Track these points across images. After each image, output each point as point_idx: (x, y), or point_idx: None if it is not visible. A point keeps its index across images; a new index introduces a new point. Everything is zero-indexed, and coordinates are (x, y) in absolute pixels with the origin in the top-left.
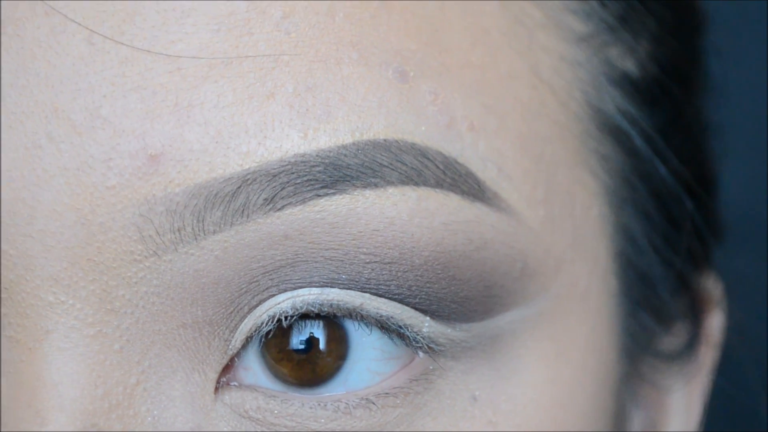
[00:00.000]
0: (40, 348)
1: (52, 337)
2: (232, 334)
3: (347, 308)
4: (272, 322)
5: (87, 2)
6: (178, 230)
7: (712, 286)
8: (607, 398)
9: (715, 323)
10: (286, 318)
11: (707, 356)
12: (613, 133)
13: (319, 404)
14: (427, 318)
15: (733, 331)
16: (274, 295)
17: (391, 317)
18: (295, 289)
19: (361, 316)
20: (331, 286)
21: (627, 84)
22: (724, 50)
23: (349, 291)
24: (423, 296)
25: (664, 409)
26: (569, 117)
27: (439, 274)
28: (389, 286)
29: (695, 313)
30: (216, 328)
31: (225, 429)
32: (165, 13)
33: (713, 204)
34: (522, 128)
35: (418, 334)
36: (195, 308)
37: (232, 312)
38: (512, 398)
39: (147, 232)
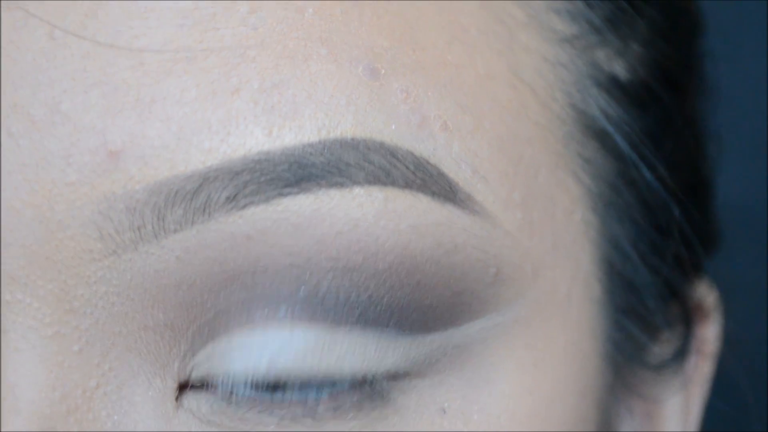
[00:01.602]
0: None
1: (9, 337)
2: (190, 356)
3: (298, 376)
4: (225, 377)
5: None
6: (138, 228)
7: (705, 294)
8: (589, 408)
9: (709, 332)
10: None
11: (702, 366)
12: (598, 136)
13: (266, 410)
14: (389, 345)
15: (729, 339)
16: (229, 331)
17: (345, 375)
18: (248, 321)
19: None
20: (284, 317)
21: (614, 87)
22: (722, 54)
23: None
24: (384, 305)
25: (657, 419)
26: (551, 119)
27: (403, 279)
28: (349, 297)
29: (686, 322)
30: (177, 333)
31: None
32: (128, 7)
33: (707, 210)
34: (500, 129)
35: (373, 379)
36: (156, 310)
37: (193, 319)
38: (485, 408)
39: (106, 230)
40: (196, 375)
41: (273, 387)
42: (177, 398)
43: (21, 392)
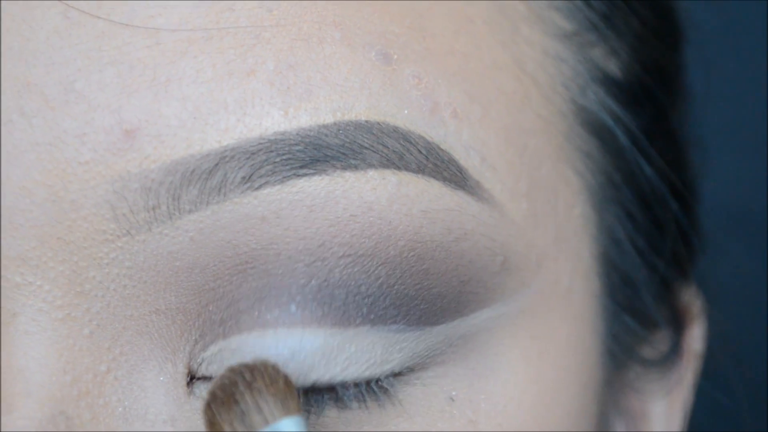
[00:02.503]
0: (7, 331)
1: (19, 320)
2: (200, 348)
3: (306, 381)
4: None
5: None
6: (153, 208)
7: (694, 296)
8: (589, 401)
9: (696, 334)
10: None
11: (689, 367)
12: (597, 131)
13: None
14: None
15: (717, 339)
16: (240, 332)
17: (351, 376)
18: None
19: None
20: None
21: (610, 83)
22: (722, 54)
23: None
24: (393, 296)
25: (646, 417)
26: (553, 112)
27: (413, 266)
28: (359, 287)
29: (678, 322)
30: (189, 318)
31: (201, 423)
32: None
33: (695, 211)
34: (506, 119)
35: (379, 378)
36: (168, 294)
37: (205, 304)
38: (492, 397)
39: (120, 210)
40: (206, 369)
41: None
42: (189, 384)
43: (32, 375)
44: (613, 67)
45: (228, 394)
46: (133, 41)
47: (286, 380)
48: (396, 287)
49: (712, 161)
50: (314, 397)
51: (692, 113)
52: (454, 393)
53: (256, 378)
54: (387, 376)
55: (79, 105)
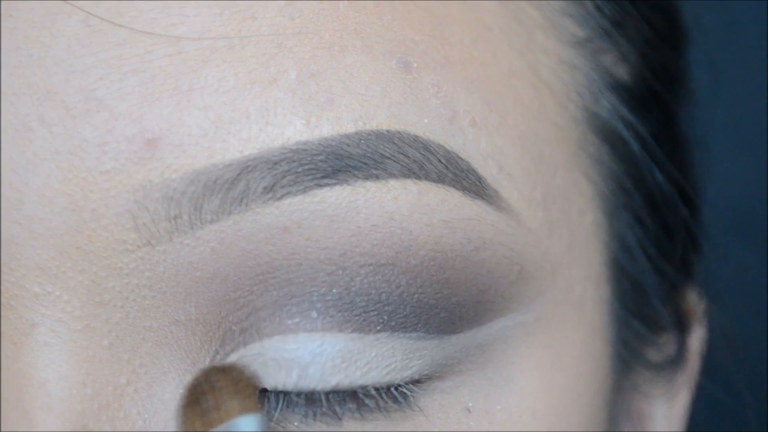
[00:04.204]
0: (26, 342)
1: (38, 331)
2: (221, 357)
3: (326, 387)
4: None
5: None
6: (174, 218)
7: (696, 300)
8: (600, 407)
9: (698, 336)
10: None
11: (691, 369)
12: (609, 138)
13: (288, 407)
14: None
15: (718, 339)
16: (261, 339)
17: (371, 382)
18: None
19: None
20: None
21: (622, 90)
22: (722, 55)
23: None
24: (413, 304)
25: (650, 419)
26: (567, 119)
27: (433, 276)
28: (380, 295)
29: (682, 324)
30: (209, 329)
31: None
32: None
33: (700, 214)
34: (522, 127)
35: (398, 385)
36: (188, 305)
37: (225, 315)
38: (508, 407)
39: (142, 220)
40: None
41: (302, 396)
42: None
43: (52, 389)
44: (623, 72)
45: (193, 394)
46: (155, 50)
47: (249, 381)
48: (416, 296)
49: (713, 161)
50: (336, 401)
51: (694, 114)
52: (470, 404)
53: (219, 378)
54: (407, 383)
55: (100, 113)
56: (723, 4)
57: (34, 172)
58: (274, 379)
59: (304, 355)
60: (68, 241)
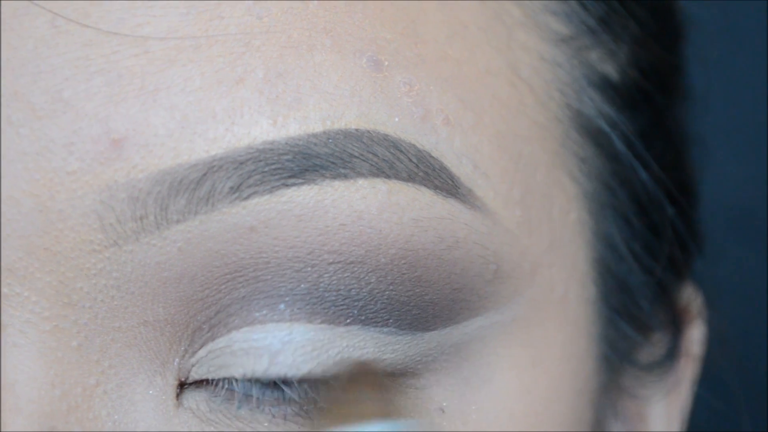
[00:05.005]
0: None
1: (7, 332)
2: (189, 355)
3: (296, 375)
4: (225, 381)
5: None
6: (141, 218)
7: (692, 297)
8: (584, 408)
9: (695, 335)
10: (237, 381)
11: (688, 368)
12: (593, 136)
13: (258, 407)
14: (388, 344)
15: (717, 340)
16: (229, 332)
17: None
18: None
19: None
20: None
21: (607, 87)
22: (722, 55)
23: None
24: (384, 301)
25: (644, 420)
26: (548, 117)
27: (404, 274)
28: (349, 291)
29: (675, 324)
30: (177, 329)
31: None
32: None
33: (693, 213)
34: (500, 126)
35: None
36: (156, 305)
37: (194, 315)
38: (483, 408)
39: (108, 220)
40: (196, 373)
41: (272, 385)
42: (177, 396)
43: (21, 390)
44: (610, 69)
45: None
46: (121, 50)
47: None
48: (387, 293)
49: (713, 161)
50: (310, 387)
51: (693, 113)
52: (444, 404)
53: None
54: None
55: (67, 114)
56: (723, 4)
57: (2, 174)
58: (243, 367)
59: (274, 343)
60: (36, 242)
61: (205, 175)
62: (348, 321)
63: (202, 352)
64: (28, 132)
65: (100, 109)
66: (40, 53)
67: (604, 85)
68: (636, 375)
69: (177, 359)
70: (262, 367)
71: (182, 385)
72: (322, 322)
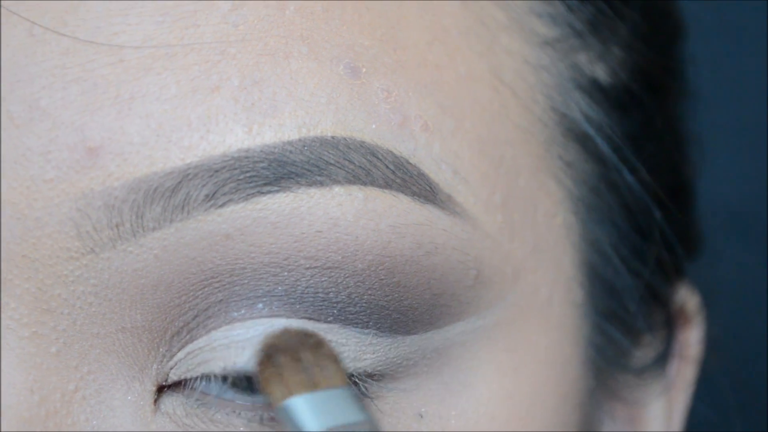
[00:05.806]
0: None
1: None
2: (167, 359)
3: None
4: (204, 378)
5: None
6: (117, 226)
7: (687, 299)
8: (570, 412)
9: (691, 337)
10: (215, 377)
11: (684, 370)
12: (579, 139)
13: (234, 412)
14: (369, 345)
15: (717, 340)
16: (208, 332)
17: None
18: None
19: None
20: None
21: (595, 90)
22: (722, 55)
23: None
24: (363, 304)
25: (641, 422)
26: (532, 121)
27: (382, 279)
28: (327, 294)
29: (669, 327)
30: (155, 335)
31: None
32: (108, 4)
33: (688, 214)
34: (481, 131)
35: (353, 372)
36: (134, 312)
37: (171, 320)
38: (463, 413)
39: (84, 228)
40: (174, 375)
41: (249, 388)
42: (155, 401)
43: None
44: (599, 72)
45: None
46: (97, 58)
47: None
48: (366, 297)
49: (712, 161)
50: None
51: (692, 113)
52: (423, 409)
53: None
54: (360, 375)
55: (44, 122)
56: (723, 4)
57: None
58: (223, 360)
59: (255, 334)
60: (14, 249)
61: (180, 183)
62: (329, 319)
63: (180, 354)
64: (5, 140)
65: (76, 117)
66: (17, 62)
67: (591, 88)
68: (626, 379)
69: (155, 365)
70: (243, 359)
71: (161, 389)
72: (303, 317)
